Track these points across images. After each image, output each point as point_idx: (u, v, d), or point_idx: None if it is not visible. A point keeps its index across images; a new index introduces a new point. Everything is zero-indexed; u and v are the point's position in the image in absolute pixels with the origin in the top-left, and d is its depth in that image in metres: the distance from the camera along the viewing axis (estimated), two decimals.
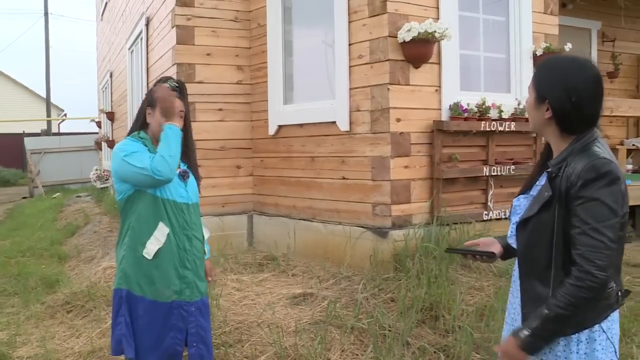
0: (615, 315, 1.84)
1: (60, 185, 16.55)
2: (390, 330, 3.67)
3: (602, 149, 1.79)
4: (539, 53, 5.65)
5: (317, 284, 4.82)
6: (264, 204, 6.40)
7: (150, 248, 2.64)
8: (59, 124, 27.21)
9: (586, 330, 1.79)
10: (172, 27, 6.17)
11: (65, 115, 29.21)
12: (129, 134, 2.77)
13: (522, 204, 1.97)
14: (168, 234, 2.65)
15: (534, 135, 5.72)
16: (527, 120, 5.50)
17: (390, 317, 3.93)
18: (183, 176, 2.76)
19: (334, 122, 5.35)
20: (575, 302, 1.69)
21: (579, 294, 1.68)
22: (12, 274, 6.25)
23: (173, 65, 6.17)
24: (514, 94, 5.66)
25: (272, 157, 6.22)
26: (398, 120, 4.92)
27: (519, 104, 5.50)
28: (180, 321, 2.70)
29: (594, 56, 8.68)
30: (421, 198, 5.07)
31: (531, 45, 5.71)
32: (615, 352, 1.84)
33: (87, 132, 19.55)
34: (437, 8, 5.10)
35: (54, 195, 14.82)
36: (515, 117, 5.43)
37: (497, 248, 2.09)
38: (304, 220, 5.76)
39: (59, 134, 24.26)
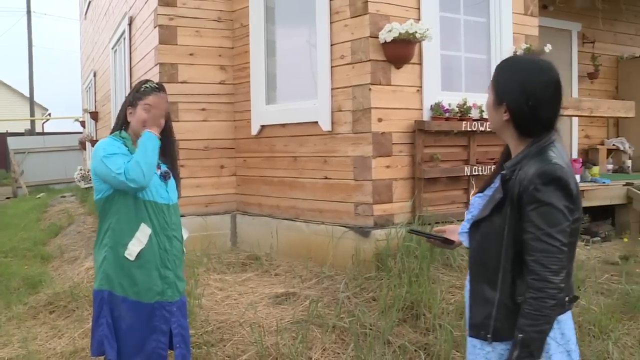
0: (561, 318, 1.83)
1: (44, 185, 16.40)
2: (371, 329, 3.70)
3: (556, 153, 1.79)
4: (519, 54, 5.71)
5: (299, 283, 4.85)
6: (247, 203, 6.41)
7: (133, 249, 2.65)
8: (43, 123, 26.95)
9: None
10: (155, 27, 6.16)
11: (49, 114, 28.94)
12: (111, 133, 2.79)
13: (475, 203, 1.97)
14: (150, 234, 2.67)
15: None
16: None
17: (371, 316, 3.97)
18: (164, 177, 2.78)
19: (316, 122, 5.38)
20: (541, 315, 1.70)
21: (542, 304, 1.69)
22: None
23: (156, 65, 6.16)
24: None
25: (255, 157, 6.23)
26: (379, 120, 4.96)
27: None
28: (163, 323, 2.71)
29: (575, 57, 8.80)
30: (403, 198, 5.11)
31: (511, 46, 5.78)
32: (569, 353, 1.84)
33: (71, 132, 19.37)
34: (419, 9, 5.15)
35: (38, 196, 14.68)
36: None
37: (457, 237, 2.11)
38: (287, 220, 5.78)
39: (43, 133, 24.02)
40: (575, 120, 8.40)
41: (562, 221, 1.71)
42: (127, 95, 2.83)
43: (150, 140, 2.63)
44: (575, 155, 8.44)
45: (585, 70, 8.86)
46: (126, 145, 2.70)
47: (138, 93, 2.74)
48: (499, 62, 6.04)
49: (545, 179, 1.72)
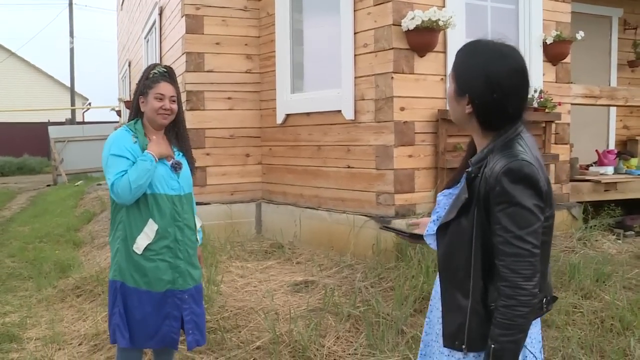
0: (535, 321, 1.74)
1: (83, 173, 16.85)
2: (385, 319, 3.69)
3: (524, 146, 1.65)
4: (549, 41, 5.57)
5: (319, 272, 4.86)
6: (272, 192, 6.45)
7: (140, 243, 2.69)
8: (84, 112, 27.65)
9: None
10: (182, 17, 6.23)
11: (89, 104, 29.66)
12: (127, 122, 2.81)
13: (441, 202, 1.84)
14: (157, 230, 2.69)
15: (543, 125, 5.64)
16: (535, 109, 5.46)
17: (387, 305, 3.95)
18: (175, 168, 2.77)
19: (340, 111, 5.36)
20: (514, 324, 1.58)
21: (515, 312, 1.57)
22: (28, 258, 6.43)
23: (183, 54, 6.24)
24: None
25: (280, 145, 6.26)
26: (402, 109, 4.90)
27: None
28: (175, 309, 2.76)
29: (614, 45, 8.49)
30: (425, 187, 5.05)
31: (541, 34, 5.62)
32: (535, 357, 1.75)
33: (109, 121, 19.82)
34: None
35: (76, 183, 15.09)
36: None
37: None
38: (310, 208, 5.79)
39: (83, 122, 24.65)
40: (612, 110, 8.13)
41: (533, 222, 1.58)
42: (137, 82, 2.83)
43: (144, 163, 2.63)
44: (612, 146, 8.17)
45: (626, 58, 8.54)
46: (137, 137, 2.71)
47: (148, 81, 2.73)
48: (527, 50, 5.83)
49: (513, 177, 1.58)
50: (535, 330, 1.75)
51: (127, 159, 2.65)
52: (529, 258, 1.57)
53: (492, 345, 1.59)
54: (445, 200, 1.83)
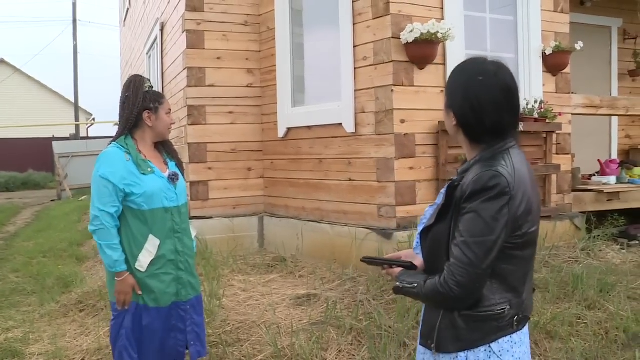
0: (515, 338, 1.71)
1: (87, 188, 16.84)
2: (387, 332, 3.67)
3: (507, 161, 1.66)
4: (548, 52, 5.59)
5: (321, 285, 4.85)
6: (274, 205, 6.45)
7: (143, 261, 2.67)
8: (88, 128, 27.78)
9: (472, 351, 1.69)
10: (183, 32, 6.28)
11: (93, 119, 29.83)
12: (115, 138, 2.78)
13: (427, 213, 1.87)
14: (159, 245, 2.69)
15: (544, 135, 5.64)
16: (536, 120, 5.47)
17: (390, 318, 3.93)
18: (172, 179, 2.79)
19: (340, 124, 5.38)
20: (433, 298, 1.70)
21: (435, 296, 1.67)
22: (32, 273, 6.44)
23: (184, 69, 6.28)
24: (522, 93, 5.60)
25: (282, 159, 6.27)
26: (402, 121, 4.91)
27: (527, 104, 5.44)
28: (180, 322, 2.78)
29: (614, 54, 8.51)
30: (427, 199, 5.05)
31: (540, 44, 5.64)
32: None
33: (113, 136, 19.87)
34: (442, 8, 5.09)
35: (80, 198, 15.13)
36: (524, 117, 5.37)
37: (419, 260, 1.89)
38: (312, 221, 5.79)
39: (86, 138, 24.76)
40: (615, 119, 8.13)
41: (484, 233, 1.59)
42: (130, 94, 2.73)
43: (110, 268, 2.66)
44: (615, 155, 8.16)
45: (626, 68, 8.56)
46: (129, 154, 2.69)
47: (150, 95, 2.75)
48: (527, 61, 5.84)
49: (479, 185, 1.62)
50: (521, 349, 1.73)
51: (114, 185, 2.61)
52: (468, 267, 1.59)
53: (397, 283, 1.79)
54: (431, 210, 1.87)
